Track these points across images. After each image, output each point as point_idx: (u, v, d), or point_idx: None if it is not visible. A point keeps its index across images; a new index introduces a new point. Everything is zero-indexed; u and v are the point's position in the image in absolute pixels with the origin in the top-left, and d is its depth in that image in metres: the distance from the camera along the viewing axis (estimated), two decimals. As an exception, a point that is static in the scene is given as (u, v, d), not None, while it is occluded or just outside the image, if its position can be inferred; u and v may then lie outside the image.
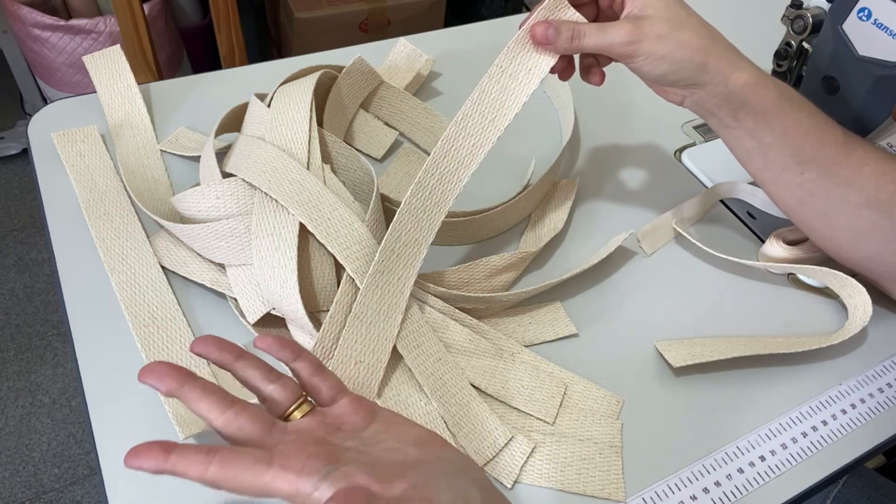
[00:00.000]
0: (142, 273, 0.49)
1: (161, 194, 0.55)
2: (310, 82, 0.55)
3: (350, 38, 1.53)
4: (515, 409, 0.46)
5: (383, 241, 0.46)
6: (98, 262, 0.49)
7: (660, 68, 0.44)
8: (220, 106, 0.56)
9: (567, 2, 0.45)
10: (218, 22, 1.20)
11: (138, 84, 0.61)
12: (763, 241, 0.58)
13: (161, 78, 1.12)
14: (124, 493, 0.39)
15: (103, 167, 0.55)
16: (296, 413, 0.35)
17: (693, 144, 0.68)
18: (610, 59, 0.48)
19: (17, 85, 1.54)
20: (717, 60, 0.44)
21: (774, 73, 0.66)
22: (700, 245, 0.56)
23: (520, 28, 0.46)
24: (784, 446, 0.46)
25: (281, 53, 1.65)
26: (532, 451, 0.44)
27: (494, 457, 0.43)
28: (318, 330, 0.44)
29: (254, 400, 0.36)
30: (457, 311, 0.48)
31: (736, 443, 0.46)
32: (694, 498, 0.43)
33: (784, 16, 0.63)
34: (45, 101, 1.52)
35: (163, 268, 0.49)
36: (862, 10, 0.55)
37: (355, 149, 0.57)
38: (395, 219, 0.46)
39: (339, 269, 0.46)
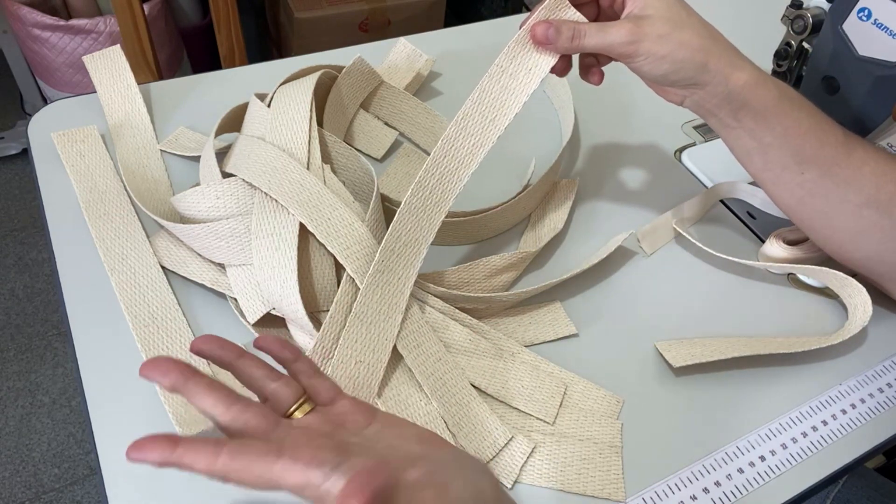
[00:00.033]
0: (142, 273, 0.49)
1: (161, 194, 0.55)
2: (310, 82, 0.55)
3: (350, 38, 1.53)
4: (515, 409, 0.46)
5: (383, 241, 0.46)
6: (98, 262, 0.49)
7: (660, 68, 0.44)
8: (220, 106, 0.56)
9: (568, 1, 0.45)
10: (218, 22, 1.20)
11: (138, 84, 0.61)
12: (763, 241, 0.58)
13: (161, 78, 1.12)
14: (124, 493, 0.39)
15: (103, 167, 0.55)
16: (298, 412, 0.35)
17: (693, 144, 0.68)
18: (610, 59, 0.48)
19: (17, 85, 1.54)
20: (717, 61, 0.44)
21: (774, 73, 0.66)
22: (700, 245, 0.56)
23: (520, 28, 0.46)
24: (784, 446, 0.46)
25: (281, 53, 1.65)
26: (532, 451, 0.44)
27: (494, 457, 0.43)
28: (318, 330, 0.44)
29: (255, 400, 0.36)
30: (457, 311, 0.48)
31: (736, 443, 0.46)
32: (694, 498, 0.43)
33: (784, 16, 0.63)
34: (45, 101, 1.52)
35: (163, 268, 0.49)
36: (862, 10, 0.55)
37: (355, 149, 0.57)
38: (395, 218, 0.46)
39: (339, 269, 0.46)
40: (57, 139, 0.57)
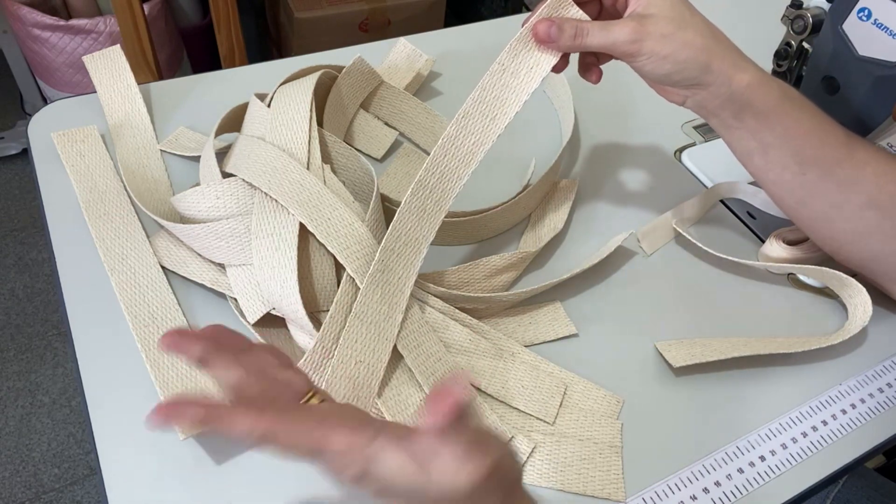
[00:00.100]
0: (142, 273, 0.49)
1: (161, 194, 0.55)
2: (310, 82, 0.55)
3: (350, 38, 1.53)
4: (515, 409, 0.46)
5: (384, 241, 0.46)
6: (98, 262, 0.49)
7: (663, 68, 0.44)
8: (220, 106, 0.56)
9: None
10: (218, 22, 1.20)
11: (138, 84, 0.61)
12: (763, 241, 0.58)
13: (161, 78, 1.12)
14: (124, 493, 0.39)
15: (103, 167, 0.55)
16: (313, 399, 0.35)
17: (693, 144, 0.68)
18: (610, 57, 0.48)
19: (17, 85, 1.54)
20: (720, 61, 0.44)
21: (774, 73, 0.66)
22: (700, 245, 0.56)
23: (522, 26, 0.45)
24: (784, 446, 0.46)
25: (281, 53, 1.65)
26: (532, 451, 0.44)
27: (494, 457, 0.43)
28: (318, 330, 0.44)
29: None
30: (457, 311, 0.48)
31: (736, 443, 0.46)
32: (694, 498, 0.43)
33: (784, 16, 0.63)
34: (45, 101, 1.52)
35: (163, 268, 0.49)
36: (862, 10, 0.55)
37: (355, 149, 0.57)
38: (395, 217, 0.46)
39: (339, 269, 0.46)
40: (57, 139, 0.57)
